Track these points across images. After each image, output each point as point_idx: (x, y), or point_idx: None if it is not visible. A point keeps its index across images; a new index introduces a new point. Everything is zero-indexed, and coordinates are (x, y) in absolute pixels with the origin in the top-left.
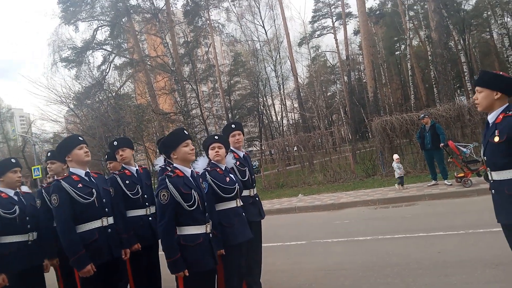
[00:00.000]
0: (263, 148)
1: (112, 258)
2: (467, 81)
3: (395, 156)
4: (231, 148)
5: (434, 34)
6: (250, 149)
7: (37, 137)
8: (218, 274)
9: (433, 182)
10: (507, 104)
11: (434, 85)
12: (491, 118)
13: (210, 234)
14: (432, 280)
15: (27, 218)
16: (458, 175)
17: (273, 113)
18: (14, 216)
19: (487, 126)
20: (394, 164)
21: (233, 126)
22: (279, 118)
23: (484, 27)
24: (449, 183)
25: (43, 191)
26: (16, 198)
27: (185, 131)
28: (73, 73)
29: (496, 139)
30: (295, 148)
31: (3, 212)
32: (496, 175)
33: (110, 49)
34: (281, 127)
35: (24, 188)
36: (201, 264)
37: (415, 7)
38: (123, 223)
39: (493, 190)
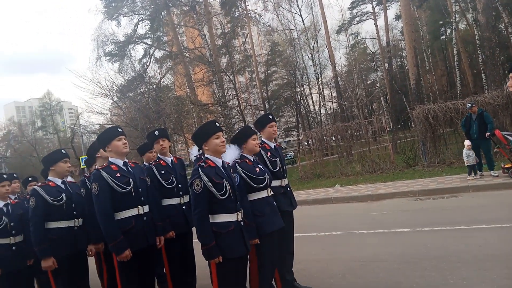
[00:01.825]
0: (301, 138)
1: (148, 245)
2: None
3: (467, 142)
4: (262, 139)
5: (481, 17)
6: (287, 139)
7: (84, 128)
8: (251, 263)
9: (479, 173)
10: None
11: (482, 71)
12: None
13: (242, 222)
14: (471, 274)
15: (73, 205)
16: (505, 166)
17: (310, 102)
18: (61, 203)
19: None
20: (465, 151)
21: (270, 117)
22: (316, 108)
23: None
24: (496, 174)
25: (86, 180)
26: (63, 186)
27: (216, 123)
28: (116, 67)
29: None
30: (333, 138)
31: (51, 199)
32: None
33: (150, 43)
34: (319, 117)
35: (68, 178)
36: (233, 250)
37: None
38: (158, 211)
39: None
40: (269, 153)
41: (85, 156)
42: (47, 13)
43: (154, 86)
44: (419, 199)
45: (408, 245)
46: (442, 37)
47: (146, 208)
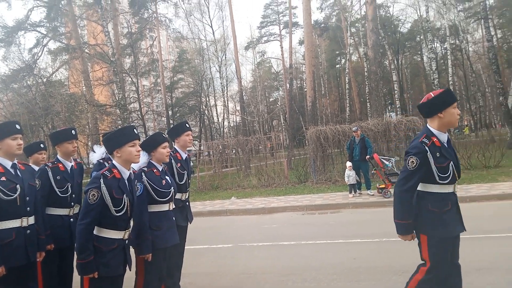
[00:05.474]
0: (202, 149)
1: (28, 262)
2: (396, 99)
3: (348, 164)
4: (175, 147)
5: (371, 52)
6: (189, 148)
7: None
8: (138, 276)
9: (358, 191)
10: None
11: (367, 100)
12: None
13: (126, 241)
14: (345, 285)
15: None
16: (380, 186)
17: (214, 114)
18: None
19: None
20: (346, 172)
21: (187, 125)
22: (220, 120)
23: (416, 50)
24: (372, 193)
25: None
26: None
27: (134, 129)
28: (0, 54)
29: None
30: (233, 151)
31: None
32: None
33: (44, 32)
34: (221, 129)
35: None
36: (111, 268)
37: (356, 25)
38: (43, 222)
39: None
40: (179, 164)
41: None
42: None
43: (45, 80)
44: (306, 214)
45: (293, 257)
46: (337, 66)
47: (31, 220)
